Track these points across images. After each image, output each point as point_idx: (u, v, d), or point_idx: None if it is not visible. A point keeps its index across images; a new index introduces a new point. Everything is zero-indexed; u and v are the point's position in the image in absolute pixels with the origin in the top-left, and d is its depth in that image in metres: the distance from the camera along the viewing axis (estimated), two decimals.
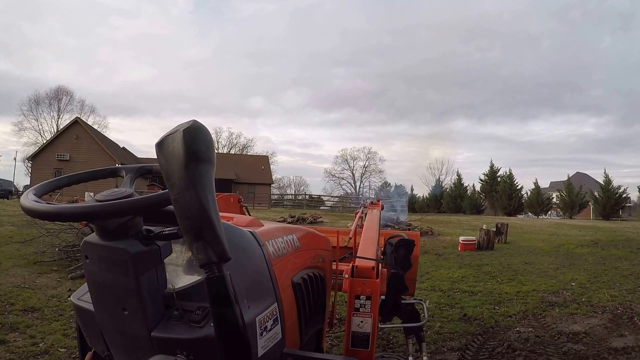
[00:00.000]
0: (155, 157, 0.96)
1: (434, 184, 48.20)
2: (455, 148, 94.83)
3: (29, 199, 1.11)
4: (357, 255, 2.12)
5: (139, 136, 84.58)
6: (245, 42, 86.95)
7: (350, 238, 3.15)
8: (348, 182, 62.67)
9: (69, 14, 78.03)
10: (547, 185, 56.77)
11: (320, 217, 20.73)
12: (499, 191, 39.84)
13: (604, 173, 37.74)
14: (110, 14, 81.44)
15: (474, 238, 12.64)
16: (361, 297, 1.86)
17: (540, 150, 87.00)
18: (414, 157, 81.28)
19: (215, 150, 0.99)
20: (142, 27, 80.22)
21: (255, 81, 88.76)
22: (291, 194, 59.19)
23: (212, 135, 0.99)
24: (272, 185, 46.80)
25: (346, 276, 2.00)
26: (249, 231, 1.44)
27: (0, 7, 70.01)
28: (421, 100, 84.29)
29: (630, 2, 75.95)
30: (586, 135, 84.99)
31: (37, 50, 77.03)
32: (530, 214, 39.82)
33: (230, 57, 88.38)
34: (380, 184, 60.16)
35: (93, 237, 1.12)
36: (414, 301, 3.40)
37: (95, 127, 47.10)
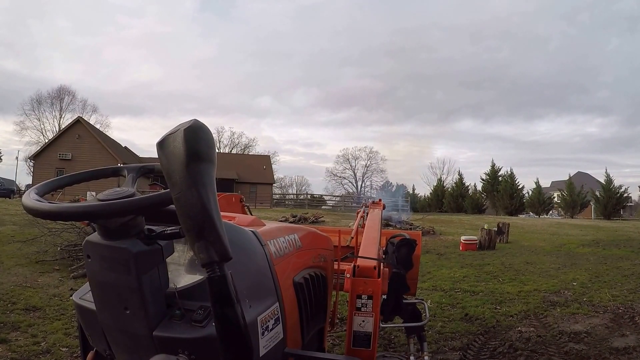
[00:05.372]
0: (157, 156, 0.96)
1: (435, 184, 48.13)
2: (459, 148, 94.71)
3: (30, 198, 1.11)
4: (359, 254, 2.12)
5: (141, 135, 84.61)
6: (253, 42, 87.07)
7: (352, 237, 3.15)
8: (350, 182, 62.72)
9: (75, 13, 78.19)
10: (549, 185, 56.70)
11: (322, 216, 20.73)
12: (500, 191, 39.79)
13: (605, 172, 37.75)
14: (115, 13, 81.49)
15: (475, 238, 12.63)
16: (363, 296, 1.86)
17: (542, 150, 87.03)
18: (416, 157, 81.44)
19: (217, 150, 0.99)
20: (148, 27, 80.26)
21: (264, 81, 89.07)
22: (293, 194, 59.23)
23: (214, 135, 0.99)
24: (273, 185, 46.82)
25: (348, 275, 2.00)
26: (251, 231, 1.44)
27: (7, 6, 70.14)
28: (429, 100, 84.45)
29: (638, 5, 75.80)
30: (590, 135, 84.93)
31: (43, 49, 77.15)
32: (532, 214, 39.77)
33: (237, 56, 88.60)
34: (381, 183, 60.21)
35: (95, 237, 1.12)
36: (416, 301, 3.40)
37: (97, 126, 47.27)
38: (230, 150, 58.90)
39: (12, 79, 69.48)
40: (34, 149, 45.61)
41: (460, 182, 43.53)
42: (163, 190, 1.10)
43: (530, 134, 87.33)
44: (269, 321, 1.28)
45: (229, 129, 79.83)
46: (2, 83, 69.78)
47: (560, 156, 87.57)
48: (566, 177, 41.41)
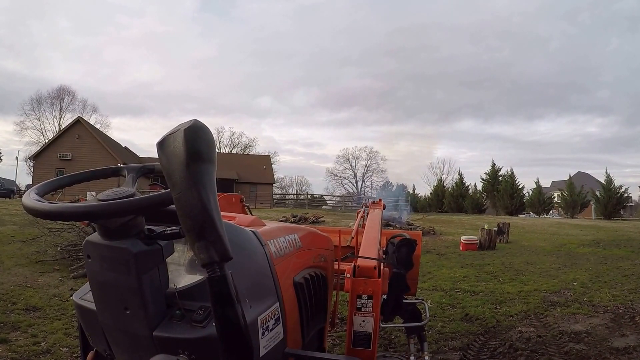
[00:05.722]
0: (157, 156, 0.96)
1: (435, 184, 48.16)
2: (459, 148, 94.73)
3: (31, 198, 1.10)
4: (359, 254, 2.12)
5: (141, 135, 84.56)
6: (253, 42, 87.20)
7: (352, 237, 3.14)
8: (350, 182, 62.77)
9: (75, 13, 78.14)
10: (549, 185, 56.71)
11: (322, 216, 20.72)
12: (501, 191, 39.78)
13: (606, 172, 37.75)
14: (115, 13, 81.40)
15: (475, 238, 12.63)
16: (363, 296, 1.86)
17: (543, 150, 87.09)
18: (417, 157, 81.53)
19: (217, 150, 0.99)
20: (148, 27, 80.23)
21: (264, 81, 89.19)
22: (293, 194, 59.26)
23: (214, 135, 0.99)
24: (274, 185, 46.82)
25: (348, 276, 1.99)
26: (251, 231, 1.44)
27: (7, 6, 70.11)
28: (429, 100, 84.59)
29: (638, 5, 75.67)
30: (590, 135, 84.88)
31: (44, 49, 77.00)
32: (532, 214, 39.76)
33: (237, 56, 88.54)
34: (382, 183, 60.25)
35: (95, 237, 1.12)
36: (416, 301, 3.40)
37: (97, 126, 47.27)
38: (231, 150, 58.92)
39: (12, 79, 69.66)
40: (34, 149, 45.65)
41: (460, 182, 43.53)
42: (163, 190, 1.10)
43: (531, 133, 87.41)
44: (269, 321, 1.28)
45: (229, 129, 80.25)
46: (2, 83, 70.00)
47: (561, 156, 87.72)
48: (566, 177, 41.49)
